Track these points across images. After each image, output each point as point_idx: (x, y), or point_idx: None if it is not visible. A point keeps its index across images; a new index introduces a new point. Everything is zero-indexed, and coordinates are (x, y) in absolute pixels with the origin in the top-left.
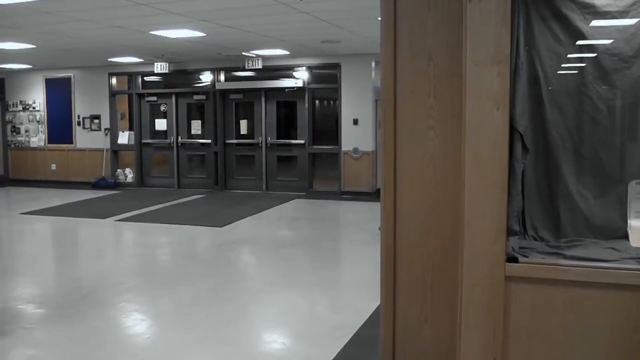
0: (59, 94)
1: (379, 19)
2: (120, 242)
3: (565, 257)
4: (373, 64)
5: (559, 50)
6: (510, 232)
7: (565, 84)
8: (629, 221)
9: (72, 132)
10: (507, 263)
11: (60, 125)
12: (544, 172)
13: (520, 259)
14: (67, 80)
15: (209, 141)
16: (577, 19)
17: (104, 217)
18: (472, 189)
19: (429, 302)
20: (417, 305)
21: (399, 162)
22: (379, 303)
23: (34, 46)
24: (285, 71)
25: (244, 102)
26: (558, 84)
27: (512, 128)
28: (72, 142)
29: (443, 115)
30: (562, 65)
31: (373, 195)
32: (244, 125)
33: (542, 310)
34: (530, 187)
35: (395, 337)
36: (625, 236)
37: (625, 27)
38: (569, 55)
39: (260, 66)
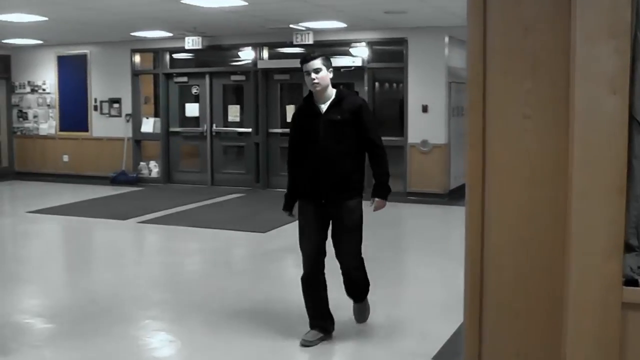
0: (73, 74)
1: None
2: (143, 247)
3: None
4: (447, 39)
5: None
6: (627, 248)
7: None
8: None
9: (87, 118)
10: (624, 287)
11: (74, 110)
12: None
13: None
14: (83, 57)
15: (249, 130)
16: None
17: (124, 217)
18: (581, 193)
19: (522, 331)
20: (507, 335)
21: (488, 158)
22: (454, 329)
23: (45, 18)
24: (341, 47)
25: (291, 84)
26: None
27: (631, 117)
28: (87, 130)
29: (543, 102)
30: None
31: (445, 197)
32: (290, 112)
33: None
34: None
35: None
36: None
37: None
38: None
39: (311, 41)
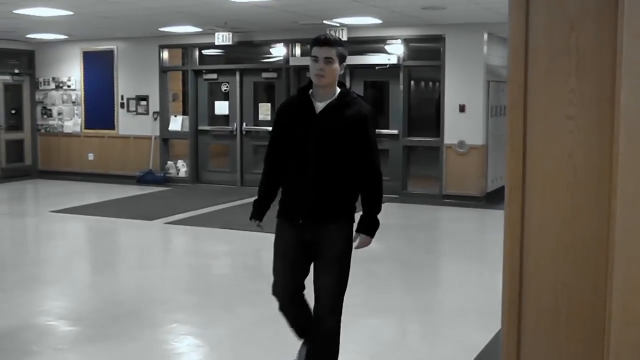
0: (99, 70)
1: None
2: (170, 249)
3: None
4: (485, 37)
5: None
6: None
7: None
8: None
9: (114, 115)
10: None
11: (99, 107)
12: None
13: None
14: (109, 53)
15: None
16: None
17: (151, 218)
18: (627, 198)
19: (563, 341)
20: (548, 344)
21: (529, 160)
22: (491, 336)
23: (70, 13)
24: (376, 44)
25: None
26: None
27: None
28: (113, 128)
29: (587, 102)
30: None
31: (482, 200)
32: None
33: None
34: None
35: None
36: None
37: None
38: None
39: (345, 38)
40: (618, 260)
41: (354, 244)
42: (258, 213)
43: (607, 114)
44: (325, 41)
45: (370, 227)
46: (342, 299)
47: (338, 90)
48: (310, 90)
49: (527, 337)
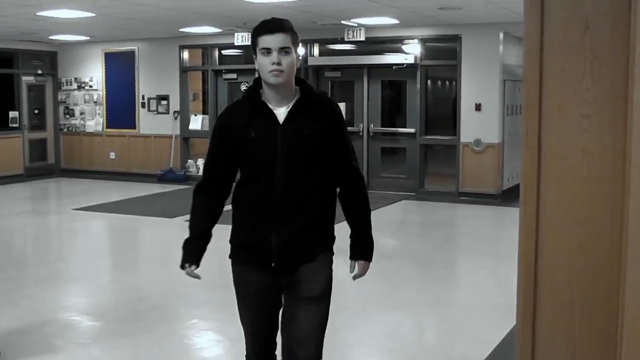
0: (121, 71)
1: None
2: None
3: None
4: (501, 36)
5: None
6: None
7: None
8: None
9: (135, 115)
10: None
11: (121, 107)
12: None
13: None
14: (131, 54)
15: None
16: None
17: (172, 216)
18: (638, 194)
19: (578, 337)
20: (562, 340)
21: (544, 158)
22: (506, 332)
23: (92, 14)
24: (393, 44)
25: (342, 82)
26: None
27: None
28: (135, 127)
29: (602, 101)
30: None
31: (498, 198)
32: (342, 109)
33: None
34: None
35: None
36: None
37: None
38: None
39: (362, 38)
40: (631, 257)
41: (352, 274)
42: (193, 256)
43: (621, 113)
44: (277, 26)
45: (368, 249)
46: (322, 346)
47: (297, 87)
48: (260, 92)
49: (541, 333)
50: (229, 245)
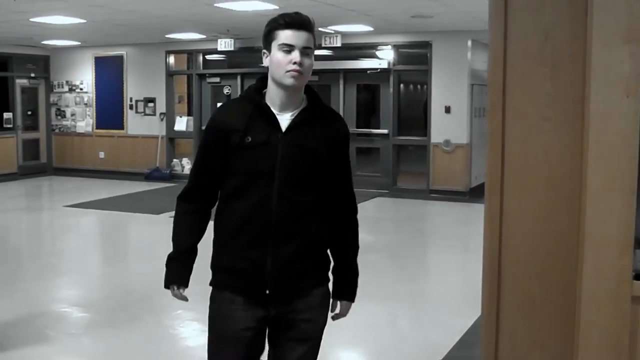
0: (110, 74)
1: None
2: None
3: None
4: (469, 43)
5: None
6: (637, 244)
7: None
8: None
9: (123, 116)
10: (635, 281)
11: (110, 108)
12: None
13: None
14: (119, 58)
15: None
16: None
17: (158, 212)
18: (595, 192)
19: (538, 322)
20: (524, 325)
21: (508, 158)
22: (473, 320)
23: (83, 21)
24: (368, 50)
25: (319, 85)
26: None
27: None
28: (123, 128)
29: (561, 104)
30: None
31: (467, 195)
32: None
33: None
34: None
35: None
36: None
37: None
38: None
39: (339, 44)
40: (587, 251)
41: (333, 314)
42: (180, 276)
43: (579, 116)
44: (304, 23)
45: (354, 287)
46: None
47: (304, 96)
48: (264, 93)
49: (505, 319)
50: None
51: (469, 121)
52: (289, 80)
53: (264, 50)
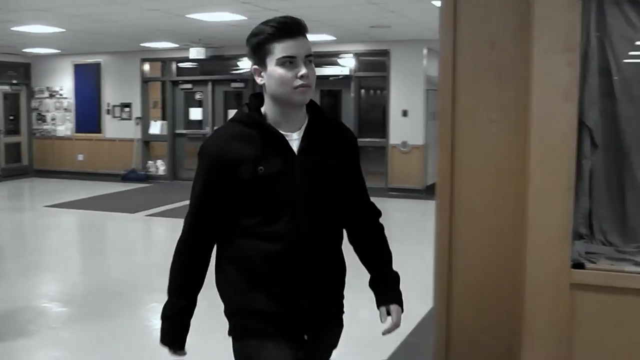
0: (88, 81)
1: (434, 3)
2: (150, 238)
3: (636, 264)
4: (425, 51)
5: (633, 37)
6: (576, 236)
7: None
8: None
9: (101, 121)
10: (572, 269)
11: (88, 113)
12: (614, 170)
13: (587, 265)
14: (97, 66)
15: None
16: None
17: (134, 211)
18: (537, 188)
19: (487, 309)
20: (474, 312)
21: (457, 157)
22: (429, 308)
23: (62, 30)
24: (331, 58)
25: None
26: (632, 74)
27: (581, 122)
28: (100, 132)
29: (506, 108)
30: (637, 54)
31: (423, 192)
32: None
33: (611, 320)
34: (598, 187)
35: (449, 345)
36: None
37: None
38: None
39: None
40: (530, 240)
41: (387, 327)
42: (177, 339)
43: (523, 119)
44: (300, 27)
45: (399, 291)
46: None
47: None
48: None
49: (455, 307)
50: None
51: (424, 124)
52: (298, 98)
53: (255, 67)
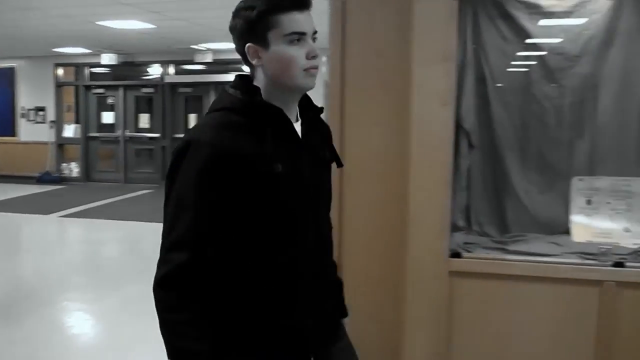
0: (2, 85)
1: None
2: (64, 238)
3: (509, 252)
4: (324, 59)
5: (505, 49)
6: (455, 228)
7: (511, 82)
8: (570, 216)
9: (15, 124)
10: (450, 258)
11: (3, 117)
12: (490, 168)
13: (464, 254)
14: (11, 70)
15: (158, 135)
16: (523, 18)
17: (48, 212)
18: (417, 185)
19: (374, 298)
20: (361, 301)
21: (346, 158)
22: None
23: None
24: (237, 65)
25: (194, 96)
26: (504, 82)
27: (458, 125)
28: (15, 135)
29: (390, 112)
30: (509, 64)
31: None
32: (193, 119)
33: (486, 304)
34: (476, 183)
35: None
36: (568, 231)
37: (570, 27)
38: (515, 54)
39: (210, 60)
40: (411, 232)
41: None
42: None
43: (405, 122)
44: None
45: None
46: None
47: None
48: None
49: (346, 299)
50: (98, 238)
51: None
52: (307, 81)
53: (250, 45)
